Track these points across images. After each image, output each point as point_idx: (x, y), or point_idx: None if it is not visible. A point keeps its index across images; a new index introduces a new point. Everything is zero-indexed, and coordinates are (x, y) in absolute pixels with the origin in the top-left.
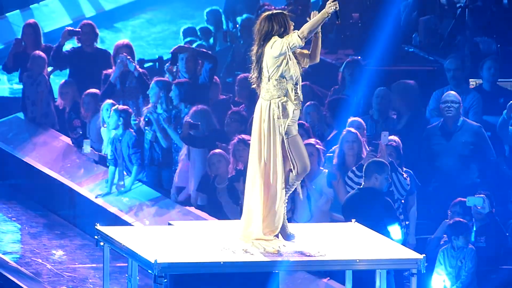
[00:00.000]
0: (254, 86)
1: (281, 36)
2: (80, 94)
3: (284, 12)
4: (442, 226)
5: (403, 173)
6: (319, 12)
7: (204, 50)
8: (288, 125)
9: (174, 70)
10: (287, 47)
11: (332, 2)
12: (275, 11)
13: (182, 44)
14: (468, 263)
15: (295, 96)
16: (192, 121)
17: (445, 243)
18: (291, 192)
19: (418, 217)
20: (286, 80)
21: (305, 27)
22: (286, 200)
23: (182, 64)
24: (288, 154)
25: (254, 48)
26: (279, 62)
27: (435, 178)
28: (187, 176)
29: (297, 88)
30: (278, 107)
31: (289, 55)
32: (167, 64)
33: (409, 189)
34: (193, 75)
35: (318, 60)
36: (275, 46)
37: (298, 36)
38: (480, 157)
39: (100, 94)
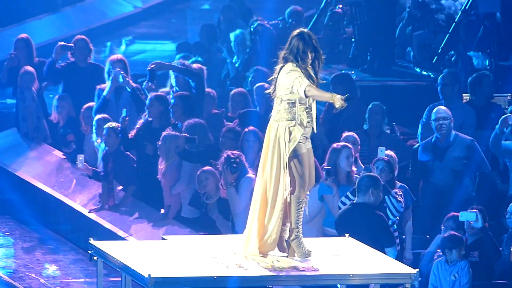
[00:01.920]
0: (272, 97)
1: (295, 58)
2: (75, 109)
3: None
4: (436, 240)
5: (397, 190)
6: None
7: (186, 67)
8: (299, 142)
9: (153, 87)
10: (294, 89)
11: (344, 101)
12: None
13: (159, 61)
14: (463, 278)
15: (307, 119)
16: (188, 135)
17: (438, 257)
18: (302, 208)
19: (412, 232)
20: (298, 105)
21: (313, 92)
22: (300, 217)
23: (174, 80)
24: (294, 172)
25: (281, 55)
26: (292, 89)
27: (429, 193)
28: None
29: (310, 111)
30: (285, 132)
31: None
32: (145, 82)
33: (404, 204)
34: (187, 89)
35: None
36: (289, 78)
37: (304, 92)
38: (474, 171)
39: (94, 109)
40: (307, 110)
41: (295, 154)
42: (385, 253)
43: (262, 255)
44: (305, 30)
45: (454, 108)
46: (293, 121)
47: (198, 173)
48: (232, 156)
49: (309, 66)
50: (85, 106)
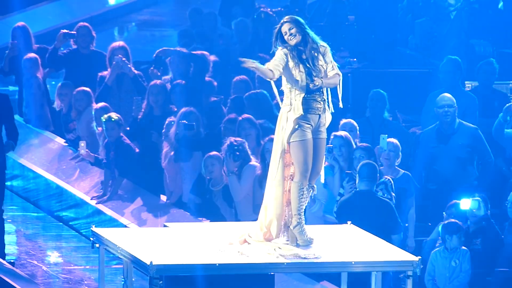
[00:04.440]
0: None
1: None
2: None
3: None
4: (438, 228)
5: (387, 179)
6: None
7: (193, 52)
8: (301, 129)
9: (159, 73)
10: None
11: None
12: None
13: (166, 47)
14: (465, 265)
15: (311, 106)
16: (186, 122)
17: (440, 245)
18: (305, 196)
19: (415, 219)
20: (294, 89)
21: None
22: (299, 209)
23: (173, 67)
24: (294, 159)
25: None
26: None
27: (432, 181)
28: (178, 179)
29: (317, 97)
30: (282, 117)
31: (297, 63)
32: (151, 67)
33: (408, 191)
34: (185, 77)
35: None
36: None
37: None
38: (478, 159)
39: (95, 96)
40: (312, 96)
41: (296, 141)
42: (391, 240)
43: (265, 241)
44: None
45: (456, 96)
46: (290, 106)
47: (205, 158)
48: (235, 143)
49: (305, 54)
50: (77, 90)
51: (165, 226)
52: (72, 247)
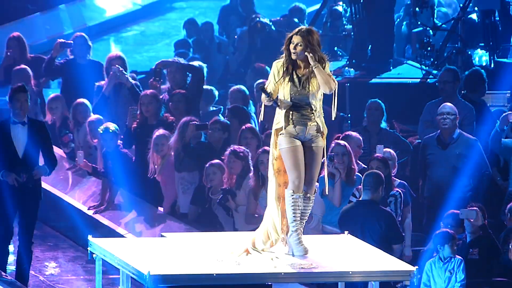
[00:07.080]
0: None
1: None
2: (69, 108)
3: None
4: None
5: (396, 188)
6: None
7: (189, 63)
8: (289, 137)
9: (158, 85)
10: None
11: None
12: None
13: (165, 59)
14: (461, 274)
15: (296, 118)
16: (198, 122)
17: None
18: (298, 204)
19: (412, 229)
20: (281, 100)
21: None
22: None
23: (170, 77)
24: (286, 167)
25: None
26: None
27: (429, 189)
28: (175, 189)
29: (303, 109)
30: (272, 128)
31: (284, 78)
32: (151, 79)
33: (404, 201)
34: (182, 87)
35: (325, 89)
36: None
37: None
38: (474, 170)
39: (93, 106)
40: (298, 108)
41: (284, 147)
42: (392, 250)
43: (263, 251)
44: (305, 26)
45: (454, 105)
46: (278, 115)
47: (206, 166)
48: (238, 151)
49: (301, 62)
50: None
51: (162, 236)
52: (69, 257)
